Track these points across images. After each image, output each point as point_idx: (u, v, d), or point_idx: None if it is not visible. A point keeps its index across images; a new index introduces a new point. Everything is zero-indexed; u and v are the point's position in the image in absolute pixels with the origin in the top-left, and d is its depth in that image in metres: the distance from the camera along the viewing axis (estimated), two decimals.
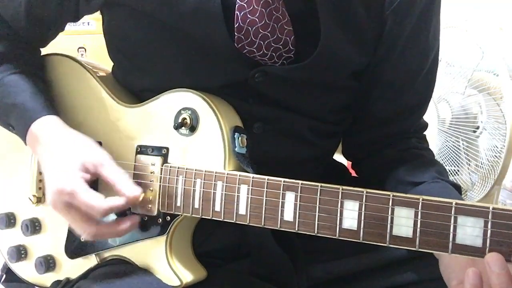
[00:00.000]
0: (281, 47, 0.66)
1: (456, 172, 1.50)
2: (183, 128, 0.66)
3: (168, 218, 0.67)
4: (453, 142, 1.47)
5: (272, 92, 0.70)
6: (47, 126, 0.69)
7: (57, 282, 0.76)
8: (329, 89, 0.73)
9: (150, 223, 0.68)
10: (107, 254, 0.72)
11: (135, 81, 0.75)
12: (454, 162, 1.48)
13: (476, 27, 1.47)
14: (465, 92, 1.45)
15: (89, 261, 0.74)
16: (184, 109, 0.66)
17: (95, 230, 0.63)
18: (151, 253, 0.69)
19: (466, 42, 1.45)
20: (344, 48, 0.68)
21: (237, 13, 0.64)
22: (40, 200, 0.78)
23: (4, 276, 0.86)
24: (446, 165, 1.51)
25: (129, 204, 0.64)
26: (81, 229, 0.64)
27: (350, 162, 0.87)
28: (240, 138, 0.65)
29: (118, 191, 0.63)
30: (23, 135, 0.70)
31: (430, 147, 0.83)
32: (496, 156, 1.39)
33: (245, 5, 0.64)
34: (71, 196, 0.62)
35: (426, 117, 0.83)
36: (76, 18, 0.74)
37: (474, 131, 1.46)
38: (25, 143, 0.71)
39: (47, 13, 0.72)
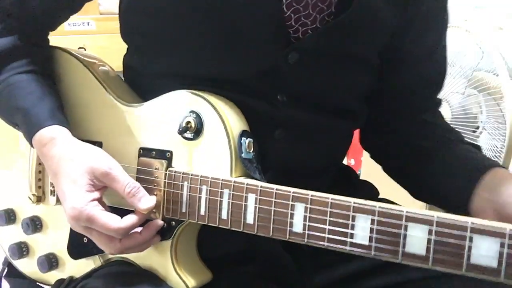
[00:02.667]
0: (325, 8, 0.65)
1: None
2: (187, 132, 0.63)
3: (173, 223, 0.65)
4: None
5: (304, 78, 0.67)
6: (47, 138, 0.65)
7: (60, 281, 0.75)
8: (359, 65, 0.71)
9: None
10: (111, 255, 0.71)
11: (154, 65, 0.70)
12: None
13: (476, 27, 1.46)
14: (465, 92, 1.44)
15: (93, 261, 0.73)
16: (189, 112, 0.64)
17: (120, 246, 0.63)
18: (156, 257, 0.68)
19: (466, 42, 1.43)
20: (378, 7, 0.67)
21: None
22: (40, 199, 0.76)
23: (6, 269, 0.85)
24: None
25: (146, 217, 0.64)
26: (106, 248, 0.64)
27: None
28: (247, 142, 0.63)
29: (131, 203, 0.63)
30: (28, 139, 0.68)
31: None
32: (496, 156, 1.38)
33: None
34: (89, 222, 0.61)
35: None
36: None
37: (474, 131, 1.45)
38: (31, 146, 0.69)
39: None
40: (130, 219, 0.62)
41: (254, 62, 0.66)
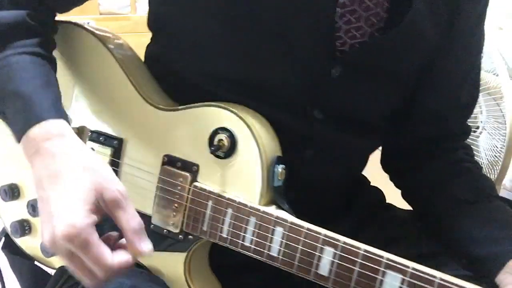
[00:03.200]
0: (376, 22, 0.63)
1: None
2: (219, 151, 0.60)
3: (191, 237, 0.64)
4: None
5: (341, 92, 0.65)
6: (53, 133, 0.56)
7: (63, 270, 0.73)
8: (394, 82, 0.69)
9: (170, 238, 0.64)
10: None
11: (186, 62, 0.65)
12: None
13: None
14: None
15: None
16: (222, 129, 0.60)
17: (97, 282, 0.52)
18: (168, 265, 0.66)
19: None
20: (426, 25, 0.65)
21: None
22: None
23: (3, 239, 0.83)
24: None
25: (136, 260, 0.55)
26: (81, 277, 0.53)
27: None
28: (280, 170, 0.60)
29: (128, 240, 0.53)
30: (18, 131, 0.57)
31: None
32: (496, 156, 1.38)
33: None
34: (81, 247, 0.50)
35: None
36: None
37: (474, 131, 1.45)
38: (16, 140, 0.58)
39: None
40: (122, 257, 0.52)
41: (297, 73, 0.63)
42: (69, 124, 0.58)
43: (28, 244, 0.78)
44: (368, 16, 0.63)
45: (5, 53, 0.60)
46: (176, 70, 0.67)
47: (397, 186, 0.82)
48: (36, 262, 0.80)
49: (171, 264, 0.66)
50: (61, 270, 0.74)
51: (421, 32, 0.65)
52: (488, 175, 1.43)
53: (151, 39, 0.71)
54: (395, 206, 0.83)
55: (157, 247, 0.66)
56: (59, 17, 0.70)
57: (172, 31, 0.66)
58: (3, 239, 0.83)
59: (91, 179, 0.53)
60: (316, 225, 0.65)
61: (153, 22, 0.69)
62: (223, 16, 0.61)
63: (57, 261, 0.75)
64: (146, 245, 0.53)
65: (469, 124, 0.81)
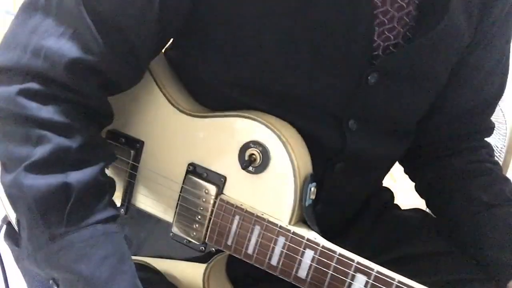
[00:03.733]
0: (409, 21, 0.60)
1: None
2: (250, 166, 0.57)
3: (213, 250, 0.61)
4: None
5: (378, 99, 0.62)
6: None
7: None
8: (431, 83, 0.67)
9: (191, 248, 0.62)
10: (136, 258, 0.67)
11: (213, 71, 0.60)
12: None
13: None
14: None
15: None
16: (254, 143, 0.57)
17: None
18: (186, 275, 0.64)
19: None
20: (461, 21, 0.63)
21: None
22: None
23: (4, 226, 0.80)
24: None
25: None
26: None
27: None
28: (312, 189, 0.58)
29: None
30: None
31: None
32: (496, 156, 1.37)
33: None
34: None
35: None
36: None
37: None
38: None
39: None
40: None
41: (335, 83, 0.60)
42: None
43: None
44: (401, 16, 0.59)
45: (78, 225, 0.53)
46: (204, 78, 0.62)
47: (411, 178, 0.80)
48: None
49: (190, 274, 0.64)
50: None
51: (457, 29, 0.63)
52: None
53: (172, 44, 0.66)
54: (397, 205, 0.82)
55: (177, 255, 0.64)
56: None
57: (203, 39, 0.60)
58: (4, 227, 0.80)
59: None
60: (334, 232, 0.64)
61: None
62: (265, 27, 0.56)
63: None
64: None
65: (493, 123, 0.78)
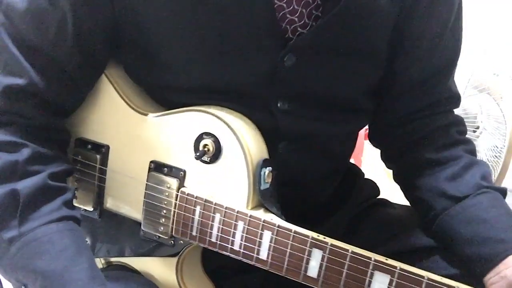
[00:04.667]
0: (310, 1, 0.60)
1: None
2: (204, 156, 0.60)
3: (181, 242, 0.64)
4: None
5: (303, 80, 0.63)
6: None
7: None
8: (364, 58, 0.66)
9: (161, 243, 0.65)
10: (113, 259, 0.70)
11: (151, 77, 0.65)
12: None
13: (476, 27, 1.40)
14: (465, 92, 1.41)
15: None
16: (207, 134, 0.60)
17: None
18: (160, 270, 0.66)
19: (466, 42, 1.37)
20: None
21: None
22: None
23: None
24: None
25: None
26: None
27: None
28: (266, 173, 0.60)
29: None
30: None
31: None
32: (496, 156, 1.38)
33: None
34: None
35: None
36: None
37: (474, 131, 1.43)
38: None
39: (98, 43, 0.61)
40: None
41: (250, 70, 0.62)
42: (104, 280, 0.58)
43: None
44: (305, 3, 0.60)
45: (31, 225, 0.56)
46: (141, 83, 0.67)
47: (387, 166, 0.79)
48: None
49: (164, 269, 0.66)
50: None
51: (368, 4, 0.62)
52: None
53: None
54: (390, 202, 0.82)
55: (149, 253, 0.66)
56: None
57: (126, 49, 0.65)
58: None
59: None
60: (311, 222, 0.65)
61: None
62: (178, 31, 0.60)
63: None
64: None
65: (457, 90, 0.76)
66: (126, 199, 0.66)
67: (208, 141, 0.60)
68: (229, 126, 0.59)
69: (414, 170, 0.72)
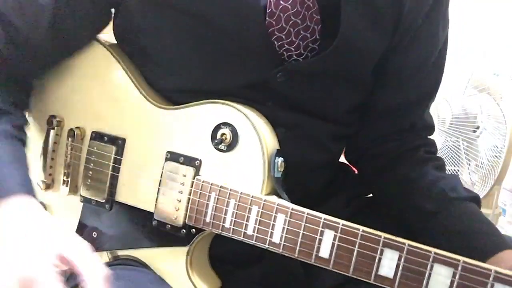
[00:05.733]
0: (308, 35, 0.66)
1: (456, 172, 1.51)
2: (221, 144, 0.64)
3: (194, 230, 0.66)
4: (453, 142, 1.48)
5: (293, 93, 0.69)
6: (25, 207, 0.59)
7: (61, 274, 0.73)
8: (350, 84, 0.72)
9: (172, 233, 0.66)
10: (121, 253, 0.71)
11: (155, 80, 0.71)
12: (454, 162, 1.49)
13: (476, 27, 1.48)
14: (465, 92, 1.44)
15: (100, 255, 0.72)
16: (224, 124, 0.64)
17: None
18: (170, 261, 0.68)
19: (466, 42, 1.45)
20: (364, 35, 0.68)
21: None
22: (49, 186, 0.74)
23: None
24: (446, 165, 1.48)
25: None
26: None
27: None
28: (279, 162, 0.64)
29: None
30: None
31: None
32: (496, 156, 1.40)
33: None
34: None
35: None
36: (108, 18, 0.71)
37: (474, 131, 1.46)
38: None
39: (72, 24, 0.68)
40: None
41: (243, 76, 0.67)
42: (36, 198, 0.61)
43: None
44: (298, 30, 0.65)
45: None
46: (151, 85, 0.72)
47: (359, 174, 0.84)
48: None
49: (173, 261, 0.67)
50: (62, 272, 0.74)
51: (361, 40, 0.67)
52: (488, 175, 1.44)
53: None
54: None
55: (161, 243, 0.68)
56: None
57: (134, 48, 0.71)
58: None
59: (51, 239, 0.55)
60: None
61: (116, 36, 0.74)
62: (176, 38, 0.66)
63: None
64: None
65: (432, 122, 0.82)
66: (140, 190, 0.68)
67: (225, 130, 0.64)
68: (246, 116, 0.63)
69: (387, 187, 0.78)
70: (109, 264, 0.71)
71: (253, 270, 0.73)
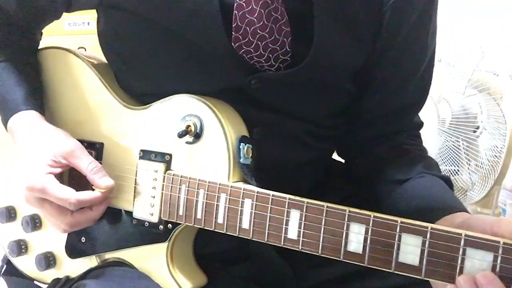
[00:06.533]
0: (278, 48, 0.64)
1: (456, 172, 1.48)
2: (187, 135, 0.64)
3: (170, 225, 0.66)
4: (453, 142, 1.46)
5: (269, 98, 0.68)
6: (24, 121, 0.69)
7: (57, 280, 0.75)
8: (329, 92, 0.71)
9: (151, 230, 0.67)
10: (108, 256, 0.72)
11: (131, 84, 0.73)
12: (454, 162, 1.46)
13: (476, 27, 1.45)
14: (465, 92, 1.43)
15: (90, 261, 0.73)
16: (189, 115, 0.64)
17: (71, 220, 0.65)
18: (152, 259, 0.68)
19: (466, 42, 1.42)
20: (340, 47, 0.66)
21: (235, 13, 0.62)
22: None
23: (4, 266, 0.86)
24: (446, 165, 1.50)
25: (102, 196, 0.66)
26: (57, 221, 0.66)
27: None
28: (245, 148, 0.63)
29: (90, 181, 0.66)
30: (5, 127, 0.71)
31: (430, 147, 0.83)
32: (496, 156, 1.37)
33: (244, 4, 0.62)
34: (42, 192, 0.63)
35: (426, 117, 0.82)
36: (68, 8, 0.73)
37: (474, 131, 1.44)
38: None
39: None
40: (86, 193, 0.64)
41: (217, 83, 0.67)
42: (40, 107, 0.71)
43: (25, 263, 0.81)
44: (267, 44, 0.64)
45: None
46: (130, 89, 0.74)
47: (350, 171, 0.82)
48: (35, 282, 0.82)
49: (155, 256, 0.67)
50: (55, 280, 0.76)
51: (334, 52, 0.66)
52: (488, 175, 1.41)
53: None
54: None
55: (141, 241, 0.68)
56: None
57: (120, 59, 0.73)
58: (4, 266, 0.86)
59: (45, 146, 0.66)
60: None
61: (106, 55, 0.76)
62: (154, 41, 0.67)
63: (50, 276, 0.77)
64: (105, 181, 0.65)
65: (420, 119, 0.81)
66: (120, 190, 0.69)
67: (190, 122, 0.64)
68: (208, 106, 0.64)
69: (367, 167, 0.77)
70: (97, 267, 0.72)
71: (240, 267, 0.72)
